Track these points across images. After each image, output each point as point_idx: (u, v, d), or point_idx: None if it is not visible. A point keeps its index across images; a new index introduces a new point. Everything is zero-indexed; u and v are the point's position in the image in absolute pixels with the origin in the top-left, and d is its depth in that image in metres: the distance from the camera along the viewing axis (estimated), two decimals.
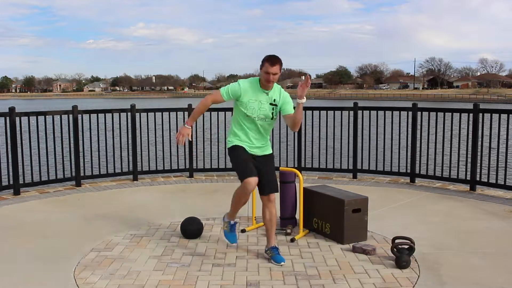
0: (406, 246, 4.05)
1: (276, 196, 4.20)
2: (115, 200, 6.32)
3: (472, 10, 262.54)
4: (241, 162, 4.03)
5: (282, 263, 4.03)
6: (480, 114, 6.60)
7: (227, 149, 4.22)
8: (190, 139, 4.25)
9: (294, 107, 4.02)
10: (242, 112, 4.03)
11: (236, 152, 4.07)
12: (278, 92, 4.06)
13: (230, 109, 6.21)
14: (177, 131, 4.26)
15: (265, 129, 4.12)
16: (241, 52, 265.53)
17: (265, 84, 3.98)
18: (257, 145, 4.12)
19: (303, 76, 3.90)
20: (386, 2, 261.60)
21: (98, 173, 7.55)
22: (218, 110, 7.78)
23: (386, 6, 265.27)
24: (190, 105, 7.74)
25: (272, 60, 3.90)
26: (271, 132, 8.00)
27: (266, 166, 4.13)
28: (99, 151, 8.48)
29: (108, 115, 7.60)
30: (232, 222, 4.26)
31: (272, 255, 4.11)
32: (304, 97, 3.85)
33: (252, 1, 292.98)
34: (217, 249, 4.43)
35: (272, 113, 4.04)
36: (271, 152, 4.26)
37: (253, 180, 3.92)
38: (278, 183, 4.30)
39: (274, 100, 4.03)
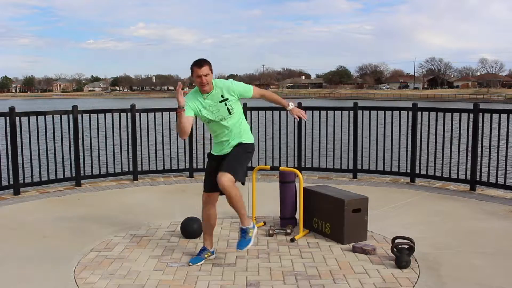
0: (406, 246, 4.05)
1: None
2: (115, 200, 6.32)
3: (472, 10, 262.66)
4: (205, 173, 4.20)
5: (239, 249, 3.90)
6: (480, 114, 6.60)
7: None
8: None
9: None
10: (204, 121, 4.05)
11: (208, 161, 4.23)
12: (221, 87, 3.96)
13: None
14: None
15: (232, 126, 4.00)
16: (241, 52, 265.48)
17: (202, 88, 3.92)
18: (227, 145, 4.04)
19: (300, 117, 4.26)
20: (385, 2, 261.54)
21: (98, 173, 7.55)
22: None
23: (386, 6, 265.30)
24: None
25: (198, 63, 3.90)
26: (271, 131, 8.04)
27: (230, 153, 4.03)
28: (99, 151, 8.49)
29: (108, 115, 7.60)
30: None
31: (238, 237, 4.00)
32: (291, 104, 4.16)
33: (252, 1, 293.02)
34: (217, 249, 4.43)
35: (228, 109, 3.95)
36: (243, 142, 4.06)
37: (205, 195, 4.11)
38: (240, 171, 3.95)
39: (222, 96, 3.95)
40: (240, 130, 4.06)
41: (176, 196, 6.57)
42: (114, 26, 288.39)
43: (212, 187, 4.02)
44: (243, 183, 4.04)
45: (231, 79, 4.12)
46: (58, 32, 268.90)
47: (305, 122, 7.78)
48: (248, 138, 4.12)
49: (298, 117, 4.32)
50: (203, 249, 4.17)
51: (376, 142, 7.52)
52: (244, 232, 3.98)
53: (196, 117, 4.09)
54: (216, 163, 4.05)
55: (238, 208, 3.93)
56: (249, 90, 4.07)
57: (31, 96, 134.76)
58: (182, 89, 3.92)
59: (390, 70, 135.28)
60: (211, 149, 4.27)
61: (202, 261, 4.08)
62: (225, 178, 3.80)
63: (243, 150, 4.03)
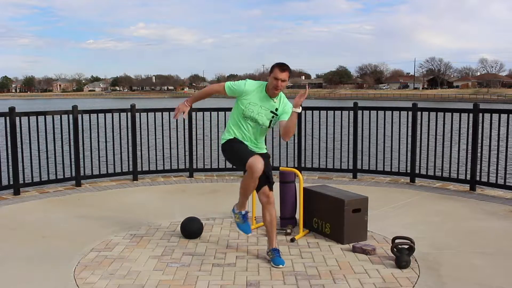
0: (406, 246, 4.05)
1: (275, 196, 4.17)
2: (115, 200, 6.32)
3: (472, 10, 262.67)
4: (238, 149, 3.99)
5: (280, 265, 3.98)
6: (480, 114, 6.60)
7: (221, 145, 4.15)
8: (185, 117, 4.21)
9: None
10: (241, 111, 4.02)
11: (231, 143, 4.06)
12: (283, 102, 4.02)
13: (230, 109, 6.21)
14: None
15: (260, 133, 4.11)
16: (241, 52, 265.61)
17: (272, 90, 3.93)
18: (251, 145, 4.09)
19: (306, 85, 3.93)
20: (385, 2, 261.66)
21: (98, 173, 7.55)
22: (218, 110, 7.78)
23: (385, 6, 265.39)
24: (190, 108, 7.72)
25: (282, 66, 3.89)
26: (271, 132, 8.03)
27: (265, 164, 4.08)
28: (99, 151, 8.49)
29: (108, 115, 7.60)
30: (243, 212, 4.21)
31: (273, 257, 4.07)
32: (300, 107, 3.83)
33: (252, 1, 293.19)
34: (217, 249, 4.43)
35: (270, 121, 4.02)
36: (266, 152, 4.24)
37: (258, 160, 3.78)
38: (274, 182, 4.21)
39: (276, 109, 3.99)
40: (263, 140, 4.22)
41: (176, 196, 6.57)
42: (114, 26, 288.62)
43: (255, 153, 3.94)
44: (271, 181, 4.13)
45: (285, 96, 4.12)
46: (58, 32, 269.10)
47: (305, 122, 7.78)
48: (266, 148, 4.31)
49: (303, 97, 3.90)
50: (246, 213, 4.23)
51: (376, 142, 7.52)
52: (277, 251, 4.10)
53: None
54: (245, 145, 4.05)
55: (273, 228, 4.13)
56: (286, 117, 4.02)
57: (31, 96, 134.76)
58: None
59: (390, 70, 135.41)
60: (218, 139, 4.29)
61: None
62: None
63: (270, 161, 4.23)
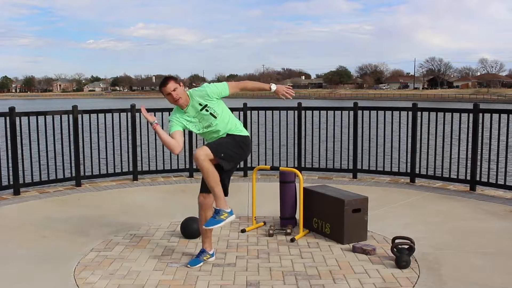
0: (406, 246, 4.05)
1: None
2: (115, 200, 6.32)
3: (471, 10, 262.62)
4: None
5: (209, 227, 3.85)
6: (480, 114, 6.60)
7: (244, 138, 4.03)
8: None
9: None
10: (196, 132, 4.05)
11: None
12: (197, 95, 3.95)
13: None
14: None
15: (222, 126, 3.97)
16: (240, 52, 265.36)
17: (177, 104, 3.95)
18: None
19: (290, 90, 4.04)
20: (384, 2, 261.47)
21: (98, 173, 7.55)
22: None
23: (385, 6, 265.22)
24: None
25: (162, 82, 3.95)
26: (271, 132, 8.04)
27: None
28: (99, 151, 8.48)
29: (108, 115, 7.60)
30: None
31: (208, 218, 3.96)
32: (274, 86, 4.05)
33: (252, 2, 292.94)
34: (217, 249, 4.43)
35: (211, 113, 3.93)
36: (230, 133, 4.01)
37: (201, 196, 4.07)
38: (220, 150, 3.87)
39: (200, 104, 3.93)
40: (230, 128, 4.00)
41: (176, 196, 6.57)
42: (114, 26, 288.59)
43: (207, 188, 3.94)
44: (224, 168, 3.91)
45: (205, 83, 4.08)
46: (58, 32, 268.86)
47: (305, 122, 7.78)
48: (239, 131, 4.04)
49: (284, 95, 4.08)
50: (202, 251, 4.13)
51: (376, 142, 7.52)
52: (216, 212, 3.88)
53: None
54: None
55: (211, 185, 3.81)
56: (224, 88, 3.97)
57: (31, 96, 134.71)
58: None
59: (390, 70, 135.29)
60: None
61: (201, 263, 4.05)
62: (201, 152, 3.74)
63: (230, 137, 3.98)
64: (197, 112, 3.94)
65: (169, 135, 3.95)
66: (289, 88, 4.12)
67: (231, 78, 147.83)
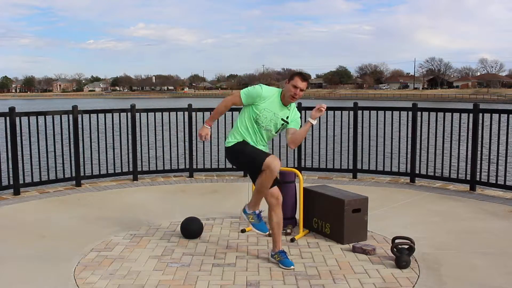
0: (406, 246, 4.05)
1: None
2: (115, 200, 6.32)
3: (471, 10, 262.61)
4: (252, 151, 3.93)
5: (292, 267, 3.94)
6: (480, 114, 6.60)
7: (228, 148, 4.05)
8: (208, 140, 4.17)
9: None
10: (253, 116, 3.95)
11: (243, 146, 3.98)
12: (293, 111, 4.04)
13: (230, 109, 6.20)
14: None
15: (268, 137, 4.11)
16: (240, 52, 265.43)
17: (288, 98, 3.93)
18: (258, 144, 4.06)
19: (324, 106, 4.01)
20: (384, 2, 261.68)
21: (98, 173, 7.54)
22: None
23: (384, 6, 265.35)
24: (190, 105, 7.74)
25: (303, 75, 3.94)
26: None
27: None
28: (99, 151, 8.48)
29: (108, 115, 7.60)
30: (257, 211, 4.10)
31: (281, 259, 4.02)
32: (316, 120, 3.97)
33: (252, 2, 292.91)
34: (217, 249, 4.43)
35: (279, 129, 4.04)
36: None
37: (275, 158, 3.78)
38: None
39: (287, 117, 4.00)
40: (267, 146, 4.17)
41: (176, 196, 6.57)
42: (114, 26, 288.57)
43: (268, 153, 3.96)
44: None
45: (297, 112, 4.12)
46: (58, 32, 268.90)
47: (305, 122, 7.78)
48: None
49: (320, 113, 4.01)
50: (260, 212, 4.09)
51: (376, 142, 7.52)
52: (285, 253, 4.07)
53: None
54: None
55: (280, 229, 4.08)
56: (297, 125, 4.07)
57: (31, 96, 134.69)
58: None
59: (390, 70, 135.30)
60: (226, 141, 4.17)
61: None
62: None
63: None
64: (279, 117, 3.97)
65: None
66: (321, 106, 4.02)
67: (231, 78, 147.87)
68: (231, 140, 4.04)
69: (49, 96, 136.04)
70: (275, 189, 4.05)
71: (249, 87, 4.02)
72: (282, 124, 4.02)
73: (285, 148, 8.27)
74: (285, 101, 3.97)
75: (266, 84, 4.11)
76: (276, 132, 4.07)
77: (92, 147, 7.77)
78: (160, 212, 5.69)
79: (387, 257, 4.19)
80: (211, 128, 4.15)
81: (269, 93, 3.96)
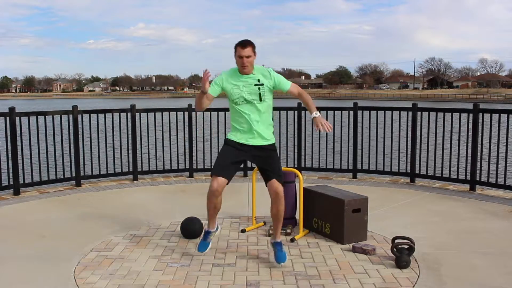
0: (406, 246, 4.05)
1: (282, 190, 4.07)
2: (115, 200, 6.32)
3: (471, 10, 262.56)
4: (219, 156, 4.07)
5: (282, 263, 3.98)
6: (480, 114, 6.60)
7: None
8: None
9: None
10: (231, 100, 4.03)
11: (222, 149, 4.13)
12: (262, 73, 4.01)
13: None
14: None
15: (260, 116, 4.00)
16: None
17: (241, 69, 3.96)
18: (250, 136, 4.02)
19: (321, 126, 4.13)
20: (384, 2, 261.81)
21: (98, 173, 7.55)
22: (218, 110, 7.78)
23: (384, 6, 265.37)
24: (190, 105, 7.74)
25: (242, 43, 3.92)
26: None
27: (266, 158, 4.06)
28: (99, 151, 8.49)
29: (108, 115, 7.60)
30: (206, 229, 4.22)
31: (275, 251, 4.06)
32: (317, 113, 4.14)
33: (252, 2, 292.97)
34: (217, 249, 4.43)
35: (259, 93, 3.96)
36: (272, 143, 4.11)
37: (215, 182, 3.93)
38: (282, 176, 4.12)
39: (258, 80, 3.97)
40: (269, 124, 4.10)
41: (176, 196, 6.57)
42: (114, 26, 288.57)
43: (224, 171, 3.98)
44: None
45: (271, 68, 4.12)
46: (58, 32, 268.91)
47: (305, 122, 7.78)
48: (273, 137, 4.19)
49: (319, 127, 4.12)
50: (208, 233, 4.18)
51: (376, 142, 7.52)
52: (279, 245, 4.08)
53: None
54: (236, 152, 4.03)
55: (279, 221, 4.10)
56: (287, 83, 4.07)
57: (31, 96, 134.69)
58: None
59: (390, 70, 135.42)
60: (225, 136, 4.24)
61: (210, 245, 4.14)
62: (280, 188, 3.99)
63: (276, 154, 4.16)
64: (250, 85, 3.96)
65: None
66: (327, 123, 4.12)
67: None
68: (228, 135, 4.18)
69: (49, 96, 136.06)
70: (272, 183, 4.00)
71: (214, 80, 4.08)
72: (259, 88, 3.96)
73: (285, 148, 8.30)
74: (243, 73, 3.98)
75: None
76: (261, 100, 3.97)
77: (92, 147, 7.77)
78: (160, 212, 5.69)
79: (387, 257, 4.19)
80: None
81: (229, 73, 4.04)
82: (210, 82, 3.94)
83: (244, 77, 3.98)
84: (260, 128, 4.02)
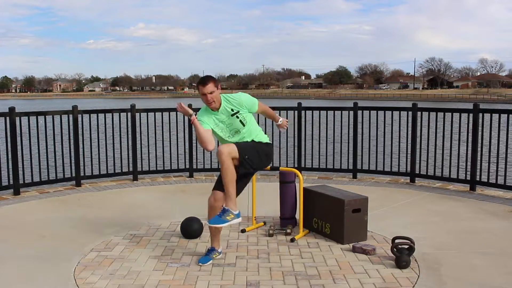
0: (406, 246, 4.05)
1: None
2: (115, 200, 6.32)
3: (471, 11, 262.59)
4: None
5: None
6: (480, 114, 6.60)
7: (268, 145, 4.18)
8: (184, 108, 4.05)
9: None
10: (217, 135, 4.05)
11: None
12: (229, 102, 3.98)
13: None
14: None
15: (245, 134, 4.05)
16: (240, 52, 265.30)
17: (209, 106, 3.95)
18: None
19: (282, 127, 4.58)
20: (384, 2, 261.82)
21: (98, 173, 7.55)
22: None
23: (384, 6, 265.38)
24: (190, 105, 7.72)
25: (202, 81, 3.90)
26: (271, 132, 8.04)
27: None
28: (99, 151, 8.48)
29: (108, 115, 7.60)
30: (210, 247, 4.25)
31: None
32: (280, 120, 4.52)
33: (252, 2, 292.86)
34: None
35: (241, 121, 3.99)
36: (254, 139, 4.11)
37: (212, 195, 4.08)
38: (248, 151, 3.97)
39: (232, 109, 3.97)
40: (257, 134, 4.13)
41: (176, 196, 6.57)
42: (114, 26, 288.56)
43: (220, 185, 3.97)
44: (240, 171, 3.95)
45: (239, 93, 4.14)
46: (58, 32, 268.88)
47: (305, 122, 7.78)
48: (265, 138, 4.19)
49: (282, 127, 4.64)
50: (212, 250, 4.18)
51: (376, 142, 7.52)
52: (223, 211, 3.88)
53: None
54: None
55: (227, 182, 3.83)
56: (255, 104, 4.09)
57: (31, 96, 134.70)
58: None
59: (390, 70, 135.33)
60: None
61: (211, 261, 4.09)
62: (226, 148, 3.80)
63: (257, 144, 4.09)
64: (228, 117, 3.97)
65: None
66: (285, 121, 4.63)
67: (231, 78, 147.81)
68: (266, 138, 4.23)
69: (49, 96, 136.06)
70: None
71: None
72: (237, 117, 3.97)
73: (285, 148, 8.30)
74: (214, 109, 3.97)
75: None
76: (244, 125, 4.00)
77: (92, 147, 7.77)
78: (160, 212, 5.69)
79: (387, 257, 4.19)
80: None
81: (203, 113, 4.02)
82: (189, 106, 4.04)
83: (218, 113, 3.98)
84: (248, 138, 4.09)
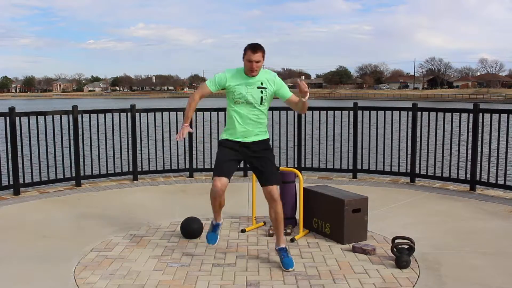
0: (406, 246, 4.05)
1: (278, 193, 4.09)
2: (115, 200, 6.32)
3: (471, 11, 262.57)
4: (218, 157, 4.07)
5: (290, 269, 3.91)
6: (480, 114, 6.60)
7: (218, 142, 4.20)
8: (192, 131, 4.19)
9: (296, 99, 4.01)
10: (231, 98, 4.00)
11: (219, 150, 4.11)
12: (266, 77, 3.98)
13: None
14: (177, 132, 4.27)
15: (256, 116, 4.01)
16: (240, 52, 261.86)
17: (248, 73, 3.93)
18: (246, 130, 4.01)
19: (298, 79, 3.93)
20: (384, 2, 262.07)
21: (98, 173, 7.55)
22: (218, 110, 7.77)
23: (384, 6, 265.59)
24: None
25: (254, 47, 3.86)
26: (271, 132, 8.04)
27: (261, 159, 4.05)
28: (99, 151, 8.49)
29: (108, 115, 7.60)
30: (214, 222, 4.28)
31: (281, 258, 4.00)
32: (306, 96, 3.85)
33: (252, 2, 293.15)
34: (217, 249, 4.43)
35: (261, 97, 3.95)
36: (266, 137, 4.12)
37: (219, 181, 3.95)
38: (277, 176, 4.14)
39: (262, 83, 3.95)
40: (265, 125, 4.12)
41: (176, 196, 6.57)
42: (114, 26, 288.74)
43: (224, 171, 3.97)
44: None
45: (276, 74, 4.10)
46: (58, 32, 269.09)
47: (305, 122, 7.78)
48: (267, 134, 4.20)
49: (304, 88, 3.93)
50: (217, 225, 4.26)
51: (376, 142, 7.52)
52: (284, 251, 4.03)
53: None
54: (233, 151, 4.04)
55: (279, 225, 4.07)
56: (288, 92, 4.03)
57: (31, 96, 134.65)
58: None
59: (390, 70, 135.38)
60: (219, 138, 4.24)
61: (219, 237, 4.27)
62: (275, 190, 4.00)
63: (271, 153, 4.15)
64: (252, 87, 3.94)
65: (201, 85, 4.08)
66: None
67: None
68: (221, 136, 4.19)
69: (49, 96, 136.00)
70: (267, 188, 4.01)
71: (215, 75, 4.05)
72: (261, 92, 3.95)
73: (285, 148, 8.30)
74: (249, 75, 3.95)
75: None
76: (261, 103, 3.97)
77: (92, 147, 7.77)
78: (160, 212, 5.69)
79: (387, 257, 4.19)
80: (190, 125, 4.13)
81: (233, 72, 4.00)
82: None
83: (249, 78, 3.96)
84: (255, 128, 4.04)
